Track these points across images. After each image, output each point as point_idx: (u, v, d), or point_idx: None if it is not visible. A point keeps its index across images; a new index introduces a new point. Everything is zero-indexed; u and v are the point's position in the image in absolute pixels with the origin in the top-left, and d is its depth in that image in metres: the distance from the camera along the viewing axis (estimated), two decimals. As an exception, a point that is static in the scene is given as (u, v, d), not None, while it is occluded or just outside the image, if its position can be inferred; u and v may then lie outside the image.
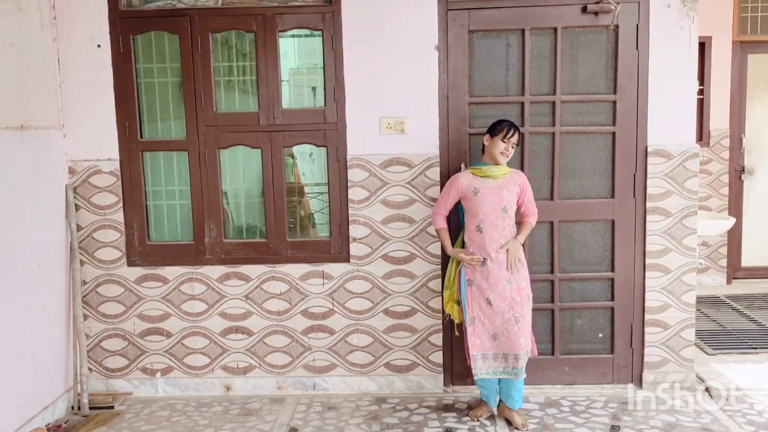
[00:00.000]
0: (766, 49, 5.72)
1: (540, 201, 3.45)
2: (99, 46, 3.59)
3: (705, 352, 4.18)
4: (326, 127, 3.62)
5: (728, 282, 5.85)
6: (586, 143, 3.62)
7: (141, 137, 3.68)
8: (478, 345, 3.23)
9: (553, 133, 3.59)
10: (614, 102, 3.57)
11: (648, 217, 3.61)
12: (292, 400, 3.70)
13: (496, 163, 3.21)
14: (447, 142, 3.60)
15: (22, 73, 3.30)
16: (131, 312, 3.76)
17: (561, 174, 3.62)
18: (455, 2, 3.53)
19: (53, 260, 3.54)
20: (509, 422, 3.33)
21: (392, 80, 3.56)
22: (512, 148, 3.21)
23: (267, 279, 3.71)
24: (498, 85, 3.62)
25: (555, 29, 3.53)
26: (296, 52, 3.96)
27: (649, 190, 3.59)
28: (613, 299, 3.69)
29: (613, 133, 3.59)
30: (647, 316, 3.66)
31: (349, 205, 3.64)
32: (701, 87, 5.48)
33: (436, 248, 3.65)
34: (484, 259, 3.20)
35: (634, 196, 3.61)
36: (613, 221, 3.64)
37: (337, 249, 3.69)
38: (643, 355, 3.69)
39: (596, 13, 3.50)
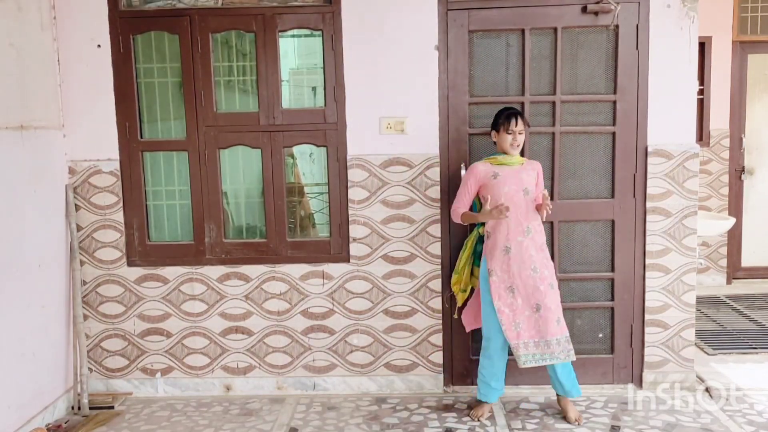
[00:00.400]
0: (766, 49, 5.72)
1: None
2: (99, 46, 3.59)
3: (705, 352, 4.18)
4: (326, 127, 3.62)
5: (728, 282, 5.85)
6: (586, 143, 3.62)
7: (141, 137, 3.69)
8: (512, 335, 3.21)
9: (553, 133, 3.59)
10: (614, 102, 3.57)
11: (648, 217, 3.61)
12: (292, 400, 3.70)
13: (510, 155, 3.25)
14: (447, 142, 3.60)
15: (22, 73, 3.30)
16: (131, 312, 3.76)
17: (561, 174, 3.62)
18: (455, 2, 3.53)
19: (53, 260, 3.54)
20: (563, 412, 3.35)
21: (392, 80, 3.56)
22: (520, 135, 3.21)
23: (267, 279, 3.71)
24: (498, 85, 3.62)
25: (555, 29, 3.53)
26: (296, 52, 3.97)
27: (649, 190, 3.59)
28: (613, 299, 3.69)
29: (613, 133, 3.59)
30: (647, 316, 3.67)
31: (349, 205, 3.64)
32: (701, 87, 5.48)
33: (436, 248, 3.65)
34: (507, 247, 3.20)
35: (634, 196, 3.61)
36: (613, 221, 3.64)
37: (337, 249, 3.69)
38: (643, 355, 3.69)
39: (596, 13, 3.50)
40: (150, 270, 3.73)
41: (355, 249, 3.67)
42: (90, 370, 3.78)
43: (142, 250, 3.72)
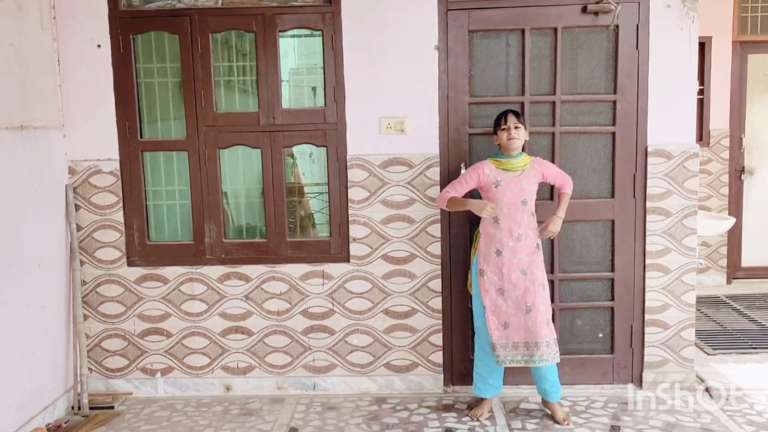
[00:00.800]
0: (766, 49, 5.72)
1: (540, 201, 3.43)
2: (99, 46, 3.59)
3: (705, 352, 4.18)
4: (326, 127, 3.62)
5: (728, 282, 5.85)
6: (586, 143, 3.62)
7: (141, 137, 3.68)
8: (496, 334, 3.25)
9: (553, 133, 3.59)
10: (614, 102, 3.57)
11: (648, 217, 3.61)
12: (292, 400, 3.70)
13: (511, 155, 3.23)
14: (447, 142, 3.60)
15: (22, 73, 3.30)
16: (131, 312, 3.76)
17: (561, 174, 3.62)
18: (455, 2, 3.53)
19: (53, 260, 3.54)
20: (551, 415, 3.34)
21: (392, 80, 3.56)
22: (515, 128, 3.19)
23: (267, 279, 3.71)
24: (498, 85, 3.62)
25: (555, 29, 3.53)
26: (296, 52, 3.97)
27: (649, 190, 3.59)
28: (613, 299, 3.69)
29: (613, 133, 3.59)
30: (647, 316, 3.67)
31: (349, 205, 3.64)
32: (701, 87, 5.48)
33: (436, 248, 3.65)
34: (498, 250, 3.22)
35: (634, 196, 3.61)
36: (613, 221, 3.64)
37: (337, 249, 3.69)
38: (643, 355, 3.69)
39: (596, 13, 3.50)
40: (150, 270, 3.73)
41: (355, 249, 3.67)
42: (90, 370, 3.78)
43: (142, 250, 3.72)
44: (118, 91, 3.62)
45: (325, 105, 3.61)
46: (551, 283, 3.65)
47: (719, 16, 5.51)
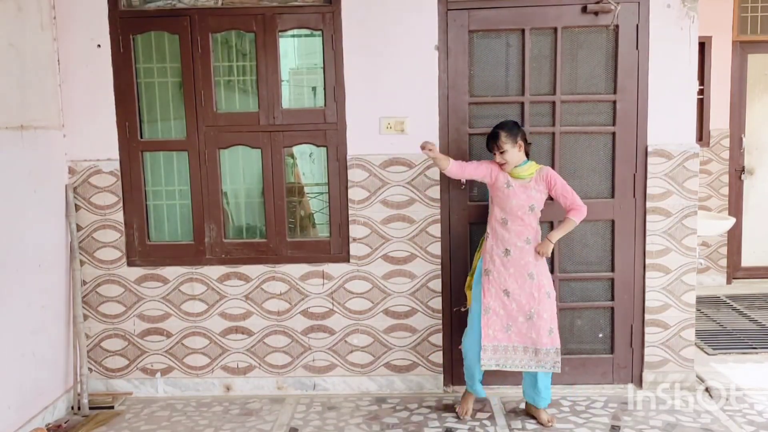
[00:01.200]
0: (766, 49, 5.72)
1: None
2: (99, 46, 3.59)
3: (705, 352, 4.18)
4: (326, 127, 3.62)
5: (728, 282, 5.85)
6: (586, 143, 3.62)
7: (141, 137, 3.69)
8: (489, 335, 3.23)
9: (553, 133, 3.59)
10: (614, 102, 3.57)
11: (648, 217, 3.61)
12: (292, 400, 3.70)
13: (508, 170, 3.21)
14: (447, 142, 3.60)
15: (22, 73, 3.30)
16: (131, 312, 3.76)
17: (561, 174, 3.57)
18: (455, 2, 3.53)
19: (53, 260, 3.54)
20: (534, 417, 3.35)
21: (392, 80, 3.56)
22: (501, 154, 3.16)
23: (267, 279, 3.71)
24: (498, 85, 3.62)
25: (555, 29, 3.53)
26: (296, 52, 3.97)
27: (649, 190, 3.59)
28: (613, 299, 3.69)
29: (613, 133, 3.59)
30: (647, 316, 3.67)
31: (349, 205, 3.64)
32: (701, 87, 5.48)
33: (436, 248, 3.65)
34: (507, 249, 3.21)
35: (634, 196, 3.61)
36: (613, 221, 3.64)
37: (337, 249, 3.69)
38: (643, 355, 3.69)
39: (596, 13, 3.50)
40: (150, 270, 3.73)
41: (355, 249, 3.67)
42: (90, 370, 3.78)
43: (142, 250, 3.72)
44: (118, 91, 3.63)
45: (325, 105, 3.61)
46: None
47: (719, 16, 5.51)
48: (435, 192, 3.61)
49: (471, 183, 3.57)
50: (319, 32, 3.58)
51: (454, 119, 3.59)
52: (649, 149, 3.56)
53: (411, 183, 3.62)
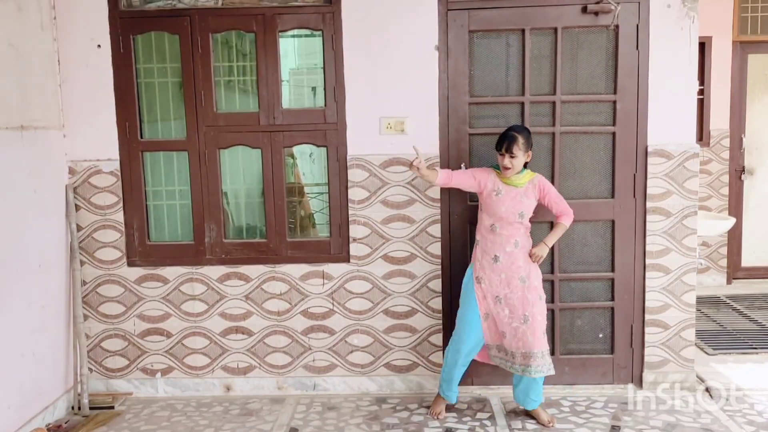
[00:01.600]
0: (766, 49, 5.72)
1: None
2: (99, 46, 3.59)
3: (705, 352, 4.18)
4: (326, 127, 3.62)
5: (728, 282, 5.85)
6: (586, 143, 3.62)
7: (141, 137, 3.69)
8: (490, 337, 3.30)
9: (553, 133, 3.59)
10: (614, 102, 3.57)
11: (648, 217, 3.61)
12: (292, 401, 3.70)
13: (506, 176, 3.21)
14: (447, 142, 3.60)
15: (22, 73, 3.30)
16: (131, 312, 3.76)
17: (561, 174, 3.62)
18: (455, 2, 3.53)
19: (53, 260, 3.54)
20: (534, 417, 3.36)
21: (392, 80, 3.56)
22: (511, 158, 3.15)
23: (267, 279, 3.71)
24: (498, 85, 3.62)
25: (555, 29, 3.53)
26: (296, 52, 3.97)
27: (649, 190, 3.59)
28: (613, 299, 3.69)
29: (613, 133, 3.59)
30: (647, 316, 3.67)
31: (349, 205, 3.64)
32: (701, 87, 5.48)
33: (436, 248, 3.65)
34: (496, 256, 3.22)
35: (634, 196, 3.61)
36: (613, 221, 3.64)
37: (337, 249, 3.69)
38: (643, 355, 3.69)
39: (596, 13, 3.50)
40: (150, 270, 3.73)
41: (355, 249, 3.67)
42: (90, 370, 3.78)
43: (142, 250, 3.72)
44: (119, 91, 3.62)
45: (325, 105, 3.61)
46: (551, 283, 3.66)
47: (719, 16, 5.51)
48: (435, 192, 3.61)
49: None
50: (319, 32, 3.58)
51: (454, 119, 3.59)
52: (649, 149, 3.56)
53: (411, 183, 3.62)
